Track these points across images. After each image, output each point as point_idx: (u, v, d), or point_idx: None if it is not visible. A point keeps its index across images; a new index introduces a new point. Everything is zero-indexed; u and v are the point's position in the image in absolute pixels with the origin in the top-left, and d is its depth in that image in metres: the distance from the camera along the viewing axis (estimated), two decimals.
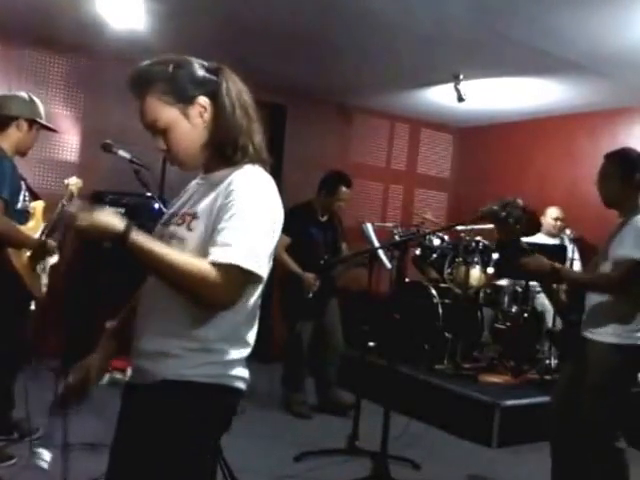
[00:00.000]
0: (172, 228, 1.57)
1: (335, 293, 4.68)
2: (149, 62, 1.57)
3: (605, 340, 2.75)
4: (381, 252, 4.44)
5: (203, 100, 1.54)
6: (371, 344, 4.79)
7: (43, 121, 3.27)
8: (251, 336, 1.61)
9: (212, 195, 1.52)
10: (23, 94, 3.30)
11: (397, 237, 5.26)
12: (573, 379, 2.92)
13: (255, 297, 1.57)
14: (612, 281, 2.73)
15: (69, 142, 5.28)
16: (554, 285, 3.03)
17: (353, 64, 5.16)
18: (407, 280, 5.48)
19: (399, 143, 7.04)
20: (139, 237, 1.40)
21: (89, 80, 5.31)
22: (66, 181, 3.49)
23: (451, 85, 5.17)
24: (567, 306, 3.06)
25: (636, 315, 2.74)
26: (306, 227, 4.48)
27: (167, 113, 1.53)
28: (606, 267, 2.78)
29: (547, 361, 4.92)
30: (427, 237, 5.42)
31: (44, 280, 3.36)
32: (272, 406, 4.54)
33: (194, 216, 1.53)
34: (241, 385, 1.59)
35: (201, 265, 1.42)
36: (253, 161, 1.57)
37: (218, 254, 1.42)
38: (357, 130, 6.70)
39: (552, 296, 3.14)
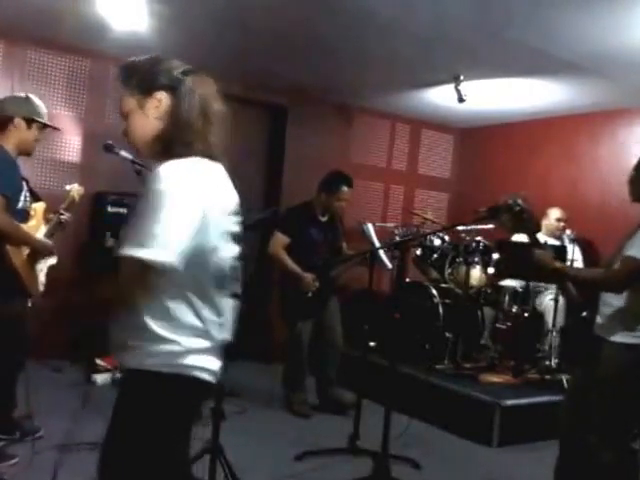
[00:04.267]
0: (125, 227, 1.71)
1: (335, 293, 4.69)
2: (134, 59, 1.75)
3: (617, 340, 2.72)
4: (382, 252, 4.45)
5: (160, 94, 1.68)
6: (372, 344, 4.81)
7: (42, 119, 3.23)
8: (208, 326, 1.66)
9: (146, 187, 1.62)
10: (20, 94, 3.30)
11: (397, 237, 5.27)
12: (586, 378, 2.91)
13: (194, 284, 1.61)
14: (612, 279, 2.71)
15: (70, 142, 5.30)
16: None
17: (354, 65, 5.18)
18: (408, 280, 5.49)
19: (400, 143, 7.04)
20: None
21: (91, 81, 5.33)
22: (68, 187, 3.49)
23: (452, 86, 5.18)
24: (581, 303, 3.04)
25: None
26: (305, 227, 4.49)
27: (128, 102, 1.71)
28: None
29: (547, 361, 4.92)
30: (428, 237, 5.43)
31: (42, 279, 3.37)
32: (273, 406, 4.55)
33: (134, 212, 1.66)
34: (203, 375, 1.66)
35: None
36: (197, 155, 1.64)
37: (123, 248, 1.54)
38: (358, 130, 6.71)
39: (567, 292, 3.12)
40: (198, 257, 1.59)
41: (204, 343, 1.65)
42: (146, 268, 1.52)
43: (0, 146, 3.08)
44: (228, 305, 1.74)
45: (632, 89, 5.07)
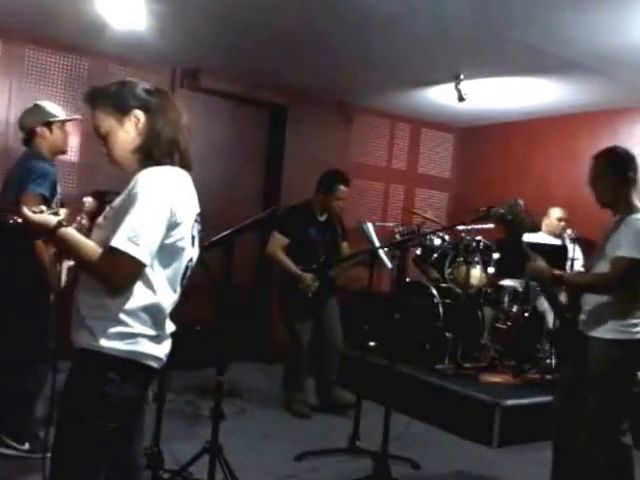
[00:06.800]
0: (100, 218, 1.85)
1: (334, 293, 4.68)
2: (103, 85, 1.87)
3: (604, 336, 2.76)
4: (382, 252, 4.44)
5: (137, 112, 1.81)
6: (372, 344, 4.80)
7: (57, 118, 3.39)
8: (163, 321, 1.80)
9: (126, 190, 1.75)
10: (30, 106, 3.45)
11: (398, 237, 5.27)
12: (574, 377, 2.92)
13: (159, 278, 1.74)
14: (609, 282, 2.75)
15: (70, 142, 5.27)
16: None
17: (354, 64, 5.17)
18: (408, 280, 5.48)
19: (400, 143, 7.04)
20: (65, 232, 1.72)
21: (90, 80, 5.30)
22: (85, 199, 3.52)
23: (452, 85, 5.17)
24: (565, 305, 3.07)
25: (633, 310, 2.76)
26: (304, 227, 4.48)
27: (106, 122, 1.82)
28: (602, 266, 2.80)
29: (547, 361, 4.92)
30: (428, 237, 5.42)
31: (64, 277, 3.40)
32: (272, 406, 4.55)
33: (112, 207, 1.79)
34: (150, 363, 1.77)
35: (92, 252, 1.68)
36: (174, 164, 1.81)
37: (111, 240, 1.65)
38: (358, 130, 6.70)
39: (550, 296, 3.16)
40: (168, 255, 1.75)
41: (156, 331, 1.76)
42: (132, 263, 1.65)
43: (38, 153, 3.30)
44: (174, 300, 1.86)
45: (633, 88, 5.06)
